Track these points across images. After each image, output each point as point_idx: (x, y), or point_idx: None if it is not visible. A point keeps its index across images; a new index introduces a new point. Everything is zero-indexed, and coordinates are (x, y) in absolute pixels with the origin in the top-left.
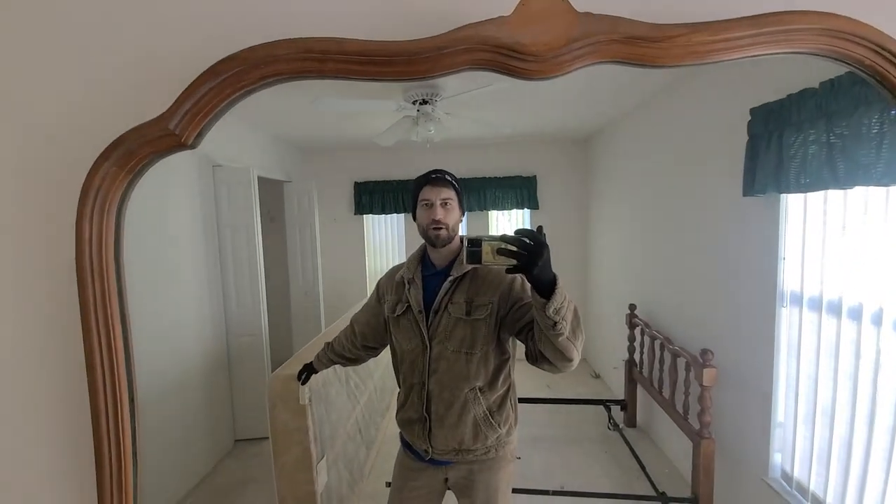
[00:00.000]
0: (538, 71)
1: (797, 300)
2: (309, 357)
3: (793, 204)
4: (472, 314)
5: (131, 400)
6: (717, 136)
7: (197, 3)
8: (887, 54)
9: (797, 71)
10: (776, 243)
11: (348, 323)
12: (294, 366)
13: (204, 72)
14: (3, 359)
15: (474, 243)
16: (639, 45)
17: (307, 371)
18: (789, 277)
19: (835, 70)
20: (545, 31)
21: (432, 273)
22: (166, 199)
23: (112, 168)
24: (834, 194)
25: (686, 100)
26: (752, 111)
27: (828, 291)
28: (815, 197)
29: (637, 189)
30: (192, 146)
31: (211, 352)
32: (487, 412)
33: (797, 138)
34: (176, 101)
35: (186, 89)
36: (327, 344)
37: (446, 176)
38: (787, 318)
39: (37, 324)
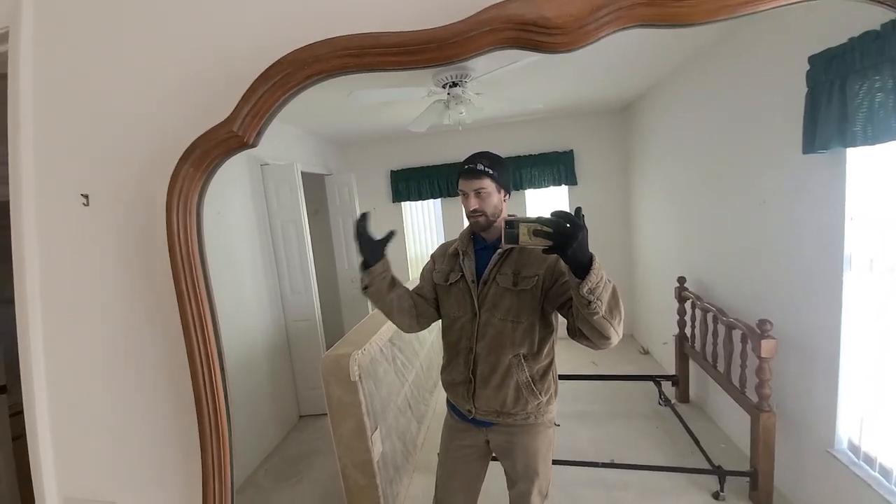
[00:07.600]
0: (565, 43)
1: (864, 263)
2: (356, 339)
3: (859, 159)
4: (518, 285)
5: (222, 368)
6: (772, 91)
7: (245, 16)
8: None
9: (857, 12)
10: (842, 203)
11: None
12: (342, 346)
13: (257, 77)
14: (117, 339)
15: (512, 224)
16: (665, 5)
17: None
18: (856, 239)
19: None
20: (568, 3)
21: (482, 247)
22: (224, 199)
23: (190, 169)
24: None
25: (734, 54)
26: (811, 59)
27: None
28: (884, 150)
29: (683, 155)
30: (254, 145)
31: (272, 336)
32: (530, 379)
33: (861, 86)
34: (237, 106)
35: (244, 95)
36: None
37: (478, 166)
38: (852, 283)
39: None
